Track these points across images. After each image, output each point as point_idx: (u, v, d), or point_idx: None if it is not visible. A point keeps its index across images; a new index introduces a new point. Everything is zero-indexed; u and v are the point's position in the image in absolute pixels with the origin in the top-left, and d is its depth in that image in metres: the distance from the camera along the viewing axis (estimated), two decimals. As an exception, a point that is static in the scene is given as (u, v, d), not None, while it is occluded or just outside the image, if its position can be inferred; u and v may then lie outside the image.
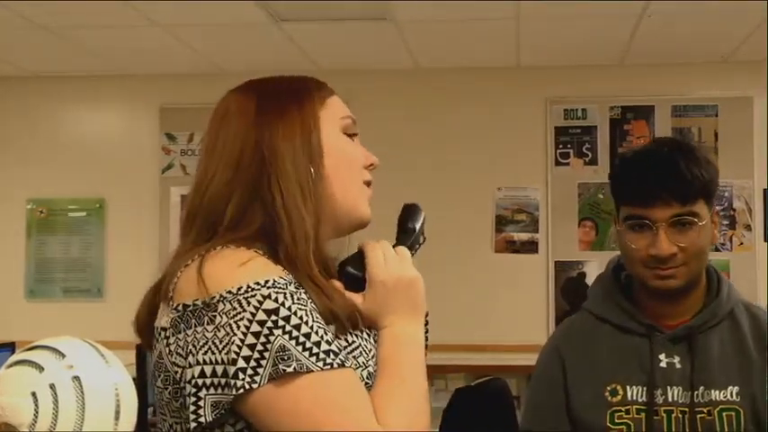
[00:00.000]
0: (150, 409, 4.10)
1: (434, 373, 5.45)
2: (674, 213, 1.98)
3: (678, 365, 2.02)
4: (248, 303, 1.29)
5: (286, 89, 1.53)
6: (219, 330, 1.29)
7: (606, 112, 5.98)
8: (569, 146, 6.01)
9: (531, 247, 5.99)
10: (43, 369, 1.57)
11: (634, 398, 2.02)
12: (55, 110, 6.31)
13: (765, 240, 5.77)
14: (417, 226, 1.62)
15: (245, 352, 1.27)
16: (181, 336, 1.33)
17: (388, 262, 1.47)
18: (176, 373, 1.34)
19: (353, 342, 1.41)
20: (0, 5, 4.63)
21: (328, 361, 1.29)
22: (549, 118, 6.03)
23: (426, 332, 1.52)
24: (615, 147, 5.91)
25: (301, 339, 1.29)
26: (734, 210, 5.80)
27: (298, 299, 1.33)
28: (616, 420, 2.02)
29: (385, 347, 1.42)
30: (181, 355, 1.33)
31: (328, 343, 1.31)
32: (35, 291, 6.22)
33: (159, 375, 1.38)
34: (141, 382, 3.91)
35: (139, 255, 6.02)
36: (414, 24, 5.12)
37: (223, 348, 1.28)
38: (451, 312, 5.82)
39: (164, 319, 1.37)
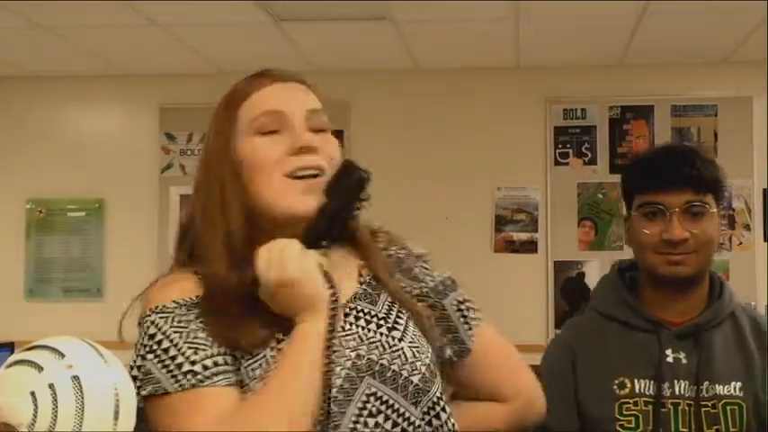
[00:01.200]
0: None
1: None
2: (687, 200, 2.08)
3: (684, 361, 2.08)
4: (142, 328, 1.47)
5: (222, 104, 1.60)
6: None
7: (605, 111, 5.98)
8: (569, 146, 6.01)
9: (530, 246, 5.99)
10: (42, 369, 1.57)
11: (642, 391, 2.08)
12: (54, 110, 6.31)
13: (765, 240, 5.77)
14: (336, 196, 1.52)
15: (134, 372, 1.43)
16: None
17: (270, 266, 1.44)
18: None
19: (257, 354, 1.44)
20: (0, 5, 4.63)
21: (182, 381, 1.39)
22: (549, 118, 6.04)
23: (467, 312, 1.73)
24: (614, 147, 5.91)
25: (167, 362, 1.41)
26: (733, 210, 5.80)
27: (179, 322, 1.44)
28: (624, 412, 2.07)
29: (285, 347, 1.45)
30: None
31: (192, 363, 1.40)
32: (34, 291, 6.22)
33: None
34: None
35: (139, 254, 6.02)
36: (413, 24, 5.12)
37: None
38: (451, 312, 5.82)
39: None
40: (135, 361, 1.44)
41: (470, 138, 6.04)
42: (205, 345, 1.41)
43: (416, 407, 1.48)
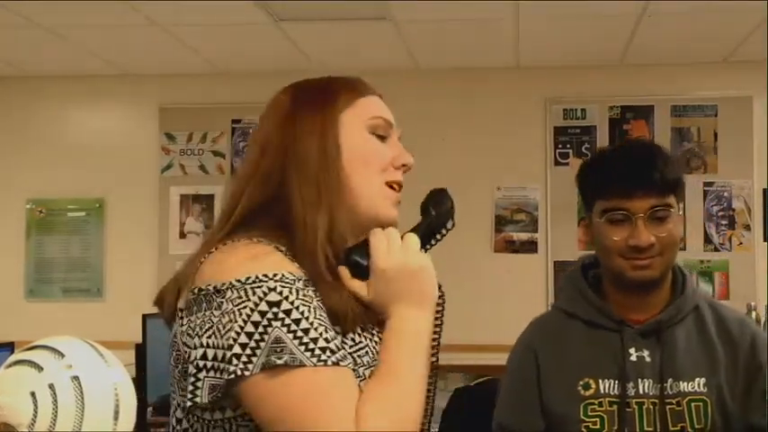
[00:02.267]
0: (150, 409, 4.11)
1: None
2: (652, 205, 2.05)
3: (648, 359, 2.08)
4: (253, 293, 1.33)
5: (316, 89, 1.57)
6: (224, 316, 1.33)
7: (605, 111, 5.98)
8: (568, 146, 6.01)
9: (530, 246, 6.00)
10: (42, 369, 1.57)
11: (606, 391, 2.07)
12: (54, 110, 6.31)
13: (765, 240, 5.76)
14: (436, 211, 1.62)
15: (243, 339, 1.30)
16: (192, 317, 1.37)
17: (391, 250, 1.47)
18: (185, 352, 1.38)
19: (360, 342, 1.43)
20: (-1, 5, 4.64)
21: (323, 357, 1.30)
22: (549, 118, 6.04)
23: (439, 318, 1.60)
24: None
25: (299, 334, 1.31)
26: (733, 210, 5.80)
27: (303, 295, 1.35)
28: (589, 413, 2.07)
29: (385, 340, 1.43)
30: (190, 336, 1.37)
31: (326, 341, 1.32)
32: (35, 291, 6.22)
33: (173, 353, 1.43)
34: (141, 382, 3.90)
35: (139, 255, 6.02)
36: (413, 24, 5.12)
37: (224, 334, 1.32)
38: (451, 312, 5.79)
39: (182, 300, 1.43)
40: (241, 326, 1.31)
41: (470, 138, 6.05)
42: (329, 326, 1.36)
43: None
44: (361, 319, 1.44)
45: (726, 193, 5.80)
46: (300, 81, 1.60)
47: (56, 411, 1.54)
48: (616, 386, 2.07)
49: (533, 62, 5.92)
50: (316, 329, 1.32)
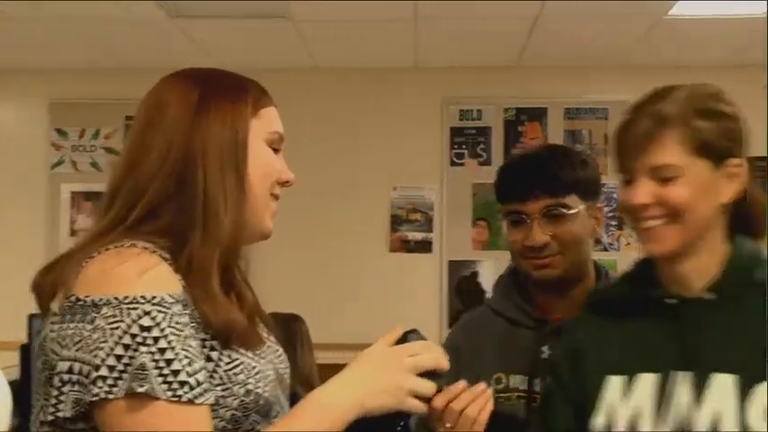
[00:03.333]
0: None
1: (327, 372, 5.45)
2: (544, 205, 2.11)
3: None
4: (128, 314, 1.31)
5: (227, 89, 1.53)
6: (96, 332, 1.31)
7: (501, 113, 6.05)
8: (464, 146, 6.06)
9: (425, 246, 6.03)
10: None
11: (515, 385, 2.13)
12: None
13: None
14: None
15: (111, 361, 1.29)
16: (64, 326, 1.34)
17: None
18: (53, 359, 1.34)
19: (236, 359, 1.42)
20: None
21: (179, 392, 1.30)
22: (445, 118, 6.08)
23: None
24: (509, 148, 5.99)
25: (161, 364, 1.30)
26: (623, 211, 5.92)
27: (176, 322, 1.34)
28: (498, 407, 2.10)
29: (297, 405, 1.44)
30: (60, 345, 1.34)
31: (188, 374, 1.31)
32: None
33: (40, 356, 1.39)
34: (26, 384, 3.80)
35: (27, 252, 5.87)
36: (312, 24, 5.11)
37: (93, 351, 1.30)
38: (346, 311, 5.83)
39: (57, 303, 1.38)
40: (111, 348, 1.29)
41: (367, 137, 6.06)
42: (196, 355, 1.34)
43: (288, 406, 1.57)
44: (248, 338, 1.44)
45: (615, 195, 5.89)
46: (197, 71, 1.57)
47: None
48: (525, 381, 2.12)
49: (431, 63, 5.96)
50: (180, 361, 1.31)
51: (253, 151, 1.50)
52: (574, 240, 2.13)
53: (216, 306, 1.40)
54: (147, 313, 1.31)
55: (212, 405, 1.36)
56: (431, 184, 6.05)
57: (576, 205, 2.14)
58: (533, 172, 2.14)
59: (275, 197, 1.57)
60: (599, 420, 1.63)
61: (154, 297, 1.33)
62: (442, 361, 1.53)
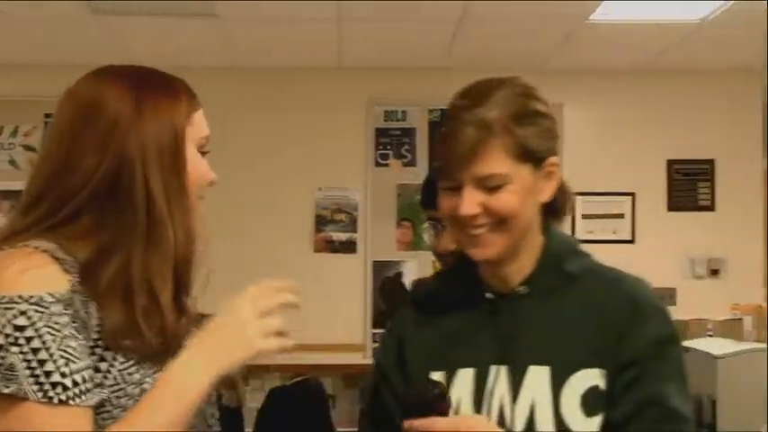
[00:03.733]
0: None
1: (251, 372, 5.43)
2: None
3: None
4: (3, 314, 1.30)
5: (164, 91, 1.50)
6: None
7: (426, 114, 6.09)
8: (389, 147, 6.09)
9: (349, 246, 6.04)
10: None
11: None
12: None
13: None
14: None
15: None
16: None
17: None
18: None
19: (132, 358, 1.40)
20: None
21: (50, 393, 1.28)
22: (370, 119, 6.10)
23: None
24: (434, 149, 6.01)
25: (33, 364, 1.28)
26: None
27: (54, 323, 1.31)
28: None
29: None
30: None
31: (63, 375, 1.30)
32: None
33: None
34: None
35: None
36: (237, 23, 5.08)
37: None
38: (270, 311, 5.81)
39: None
40: None
41: (292, 137, 6.05)
42: (76, 356, 1.32)
43: None
44: (136, 345, 1.40)
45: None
46: (127, 70, 1.53)
47: None
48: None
49: (356, 63, 5.97)
50: (54, 362, 1.29)
51: (188, 158, 1.50)
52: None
53: (114, 308, 1.37)
54: (22, 313, 1.29)
55: (103, 405, 1.34)
56: (355, 184, 6.07)
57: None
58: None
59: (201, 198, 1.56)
60: None
61: (31, 296, 1.31)
62: (281, 297, 1.56)
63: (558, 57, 5.77)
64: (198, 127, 1.53)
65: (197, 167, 1.51)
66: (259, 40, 5.46)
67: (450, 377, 1.62)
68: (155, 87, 1.50)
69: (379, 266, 6.00)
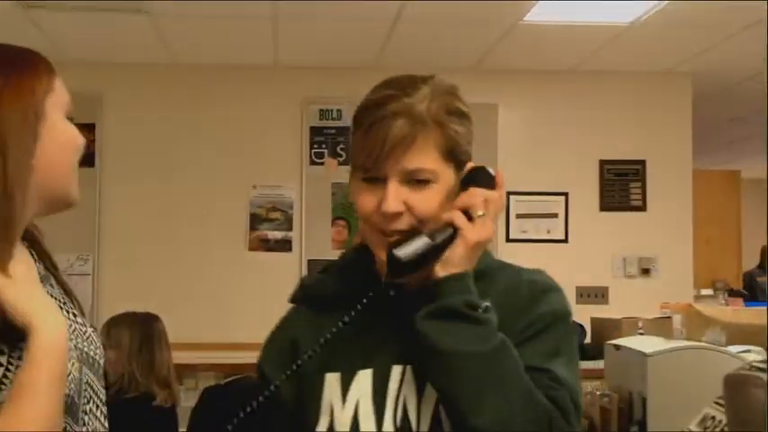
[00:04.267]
0: None
1: (185, 371, 5.38)
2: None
3: None
4: None
5: (21, 65, 1.49)
6: None
7: (360, 113, 6.08)
8: (324, 146, 6.08)
9: (284, 245, 6.02)
10: None
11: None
12: None
13: (507, 241, 6.02)
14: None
15: None
16: None
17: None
18: None
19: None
20: None
21: None
22: (305, 117, 6.08)
23: None
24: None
25: None
26: (479, 212, 6.02)
27: None
28: None
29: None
30: None
31: None
32: None
33: None
34: None
35: None
36: (170, 19, 5.03)
37: None
38: (204, 310, 5.77)
39: None
40: None
41: (227, 135, 6.01)
42: None
43: (104, 388, 1.54)
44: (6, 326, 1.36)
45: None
46: None
47: None
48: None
49: (291, 61, 5.95)
50: None
51: (54, 126, 1.47)
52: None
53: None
54: None
55: None
56: (291, 183, 6.05)
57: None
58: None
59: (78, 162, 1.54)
60: (322, 421, 1.50)
61: None
62: None
63: (492, 57, 5.81)
64: (61, 93, 1.51)
65: (69, 135, 1.50)
66: (194, 38, 5.42)
67: (348, 379, 1.51)
68: (10, 63, 1.49)
69: (314, 265, 5.99)
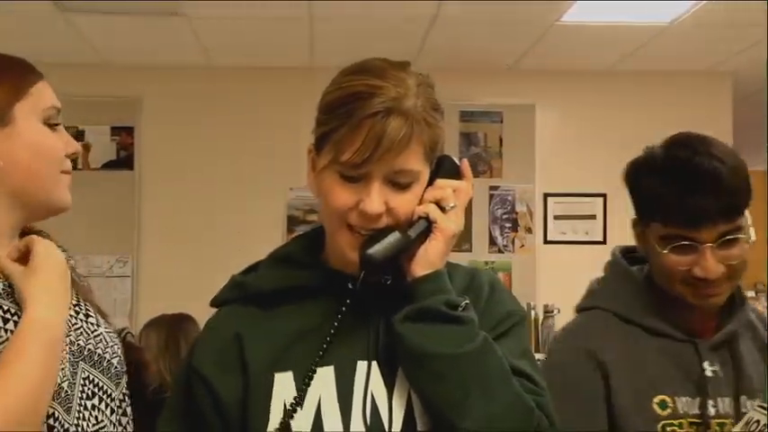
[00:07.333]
0: None
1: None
2: (720, 233, 1.77)
3: (721, 374, 1.85)
4: None
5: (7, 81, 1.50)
6: None
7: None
8: (361, 147, 6.06)
9: (321, 247, 6.01)
10: None
11: (685, 410, 1.82)
12: None
13: (545, 243, 6.00)
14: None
15: None
16: None
17: None
18: None
19: None
20: None
21: None
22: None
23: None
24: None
25: None
26: (516, 213, 6.01)
27: None
28: None
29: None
30: None
31: None
32: None
33: None
34: None
35: None
36: (206, 21, 5.05)
37: None
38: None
39: None
40: None
41: (264, 137, 6.02)
42: None
43: (117, 387, 1.55)
44: None
45: (509, 197, 6.00)
46: None
47: None
48: (694, 404, 1.82)
49: (327, 63, 5.92)
50: None
51: (24, 134, 1.47)
52: (744, 266, 1.83)
53: None
54: None
55: None
56: (327, 184, 6.03)
57: (747, 225, 1.83)
58: (707, 192, 1.76)
59: (67, 172, 1.54)
60: (272, 422, 1.40)
61: None
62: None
63: (529, 57, 5.78)
64: (37, 99, 1.50)
65: (40, 142, 1.49)
66: (229, 40, 5.43)
67: (302, 377, 1.41)
68: None
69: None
